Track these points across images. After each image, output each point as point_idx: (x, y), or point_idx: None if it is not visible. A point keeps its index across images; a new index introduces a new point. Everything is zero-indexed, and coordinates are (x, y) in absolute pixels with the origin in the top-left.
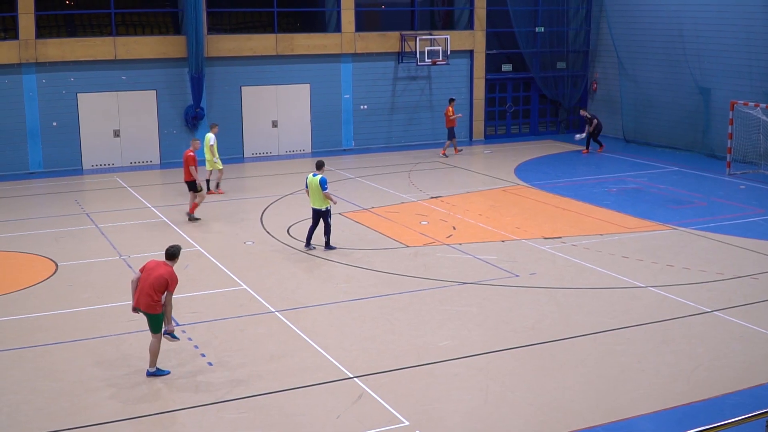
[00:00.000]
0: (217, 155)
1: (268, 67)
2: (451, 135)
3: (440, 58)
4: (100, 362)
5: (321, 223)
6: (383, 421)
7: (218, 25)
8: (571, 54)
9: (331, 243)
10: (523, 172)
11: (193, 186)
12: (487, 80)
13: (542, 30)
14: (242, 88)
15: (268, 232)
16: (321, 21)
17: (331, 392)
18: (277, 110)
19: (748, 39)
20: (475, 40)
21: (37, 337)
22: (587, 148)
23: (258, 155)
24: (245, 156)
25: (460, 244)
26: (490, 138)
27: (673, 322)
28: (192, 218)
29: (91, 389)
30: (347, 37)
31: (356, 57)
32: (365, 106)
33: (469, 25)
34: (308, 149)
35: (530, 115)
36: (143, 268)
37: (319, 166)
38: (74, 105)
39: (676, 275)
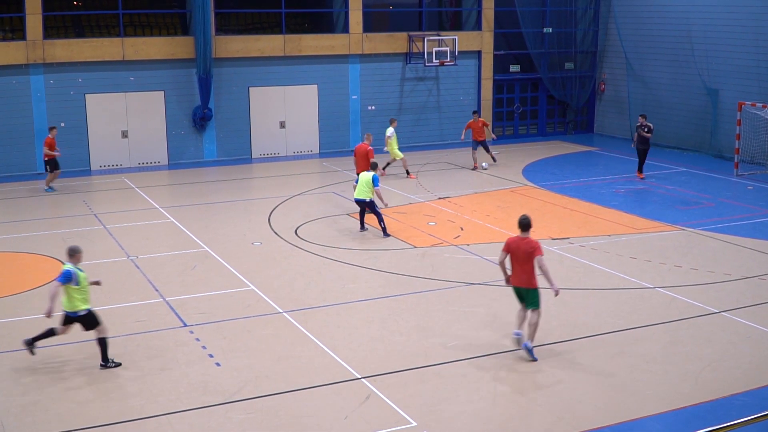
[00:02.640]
0: (395, 146)
1: (276, 67)
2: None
3: (448, 59)
4: None
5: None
6: (391, 422)
7: (226, 26)
8: (579, 54)
9: (387, 231)
10: (531, 172)
11: None
12: (495, 81)
13: (550, 31)
14: (250, 88)
15: (275, 233)
16: (329, 22)
17: (338, 393)
18: (285, 111)
19: (756, 40)
20: (483, 40)
21: None
22: (641, 171)
23: (265, 156)
24: (253, 157)
25: (468, 244)
26: (498, 139)
27: (681, 322)
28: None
29: (99, 390)
30: (355, 38)
31: (364, 58)
32: (373, 107)
33: (477, 26)
34: (316, 150)
35: (538, 115)
36: (506, 248)
37: (374, 167)
38: (82, 106)
39: (684, 276)
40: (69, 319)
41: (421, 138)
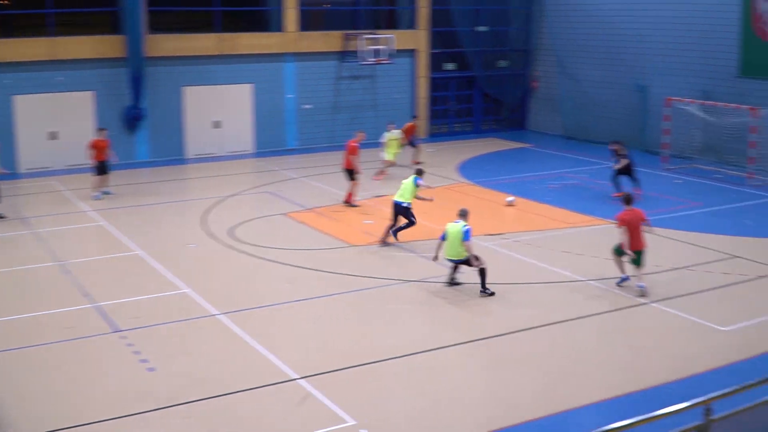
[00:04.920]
0: (392, 149)
1: (211, 66)
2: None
3: (384, 57)
4: (33, 373)
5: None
6: (330, 421)
7: (159, 25)
8: (512, 53)
9: (397, 236)
10: (467, 169)
11: (352, 174)
12: (430, 79)
13: (484, 29)
14: (184, 88)
15: (211, 235)
16: (264, 20)
17: (276, 394)
18: (220, 110)
19: (684, 37)
20: (418, 39)
21: None
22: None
23: (200, 156)
24: (187, 157)
25: (405, 242)
26: (434, 136)
27: (613, 314)
28: (351, 205)
29: (29, 398)
30: (290, 37)
31: (300, 56)
32: (309, 106)
33: (413, 25)
34: (251, 149)
35: (473, 113)
36: (622, 222)
37: (419, 173)
38: (9, 107)
39: (616, 268)
40: (455, 263)
41: None
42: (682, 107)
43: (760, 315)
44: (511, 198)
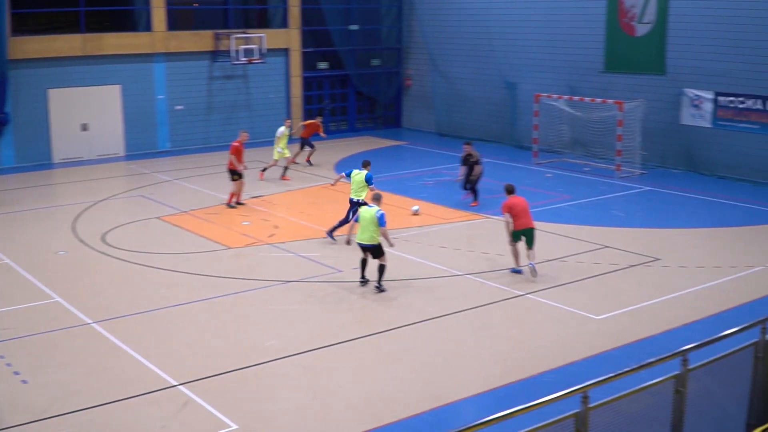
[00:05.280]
0: (280, 146)
1: (77, 68)
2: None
3: (256, 57)
4: None
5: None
6: (211, 427)
7: (23, 27)
8: (384, 51)
9: (333, 234)
10: (343, 168)
11: (234, 174)
12: (304, 78)
13: (356, 28)
14: (49, 90)
15: (81, 241)
16: (131, 20)
17: (154, 402)
18: (88, 113)
19: (551, 35)
20: (290, 38)
21: None
22: (475, 199)
23: (68, 160)
24: (54, 161)
25: (283, 242)
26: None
27: (490, 306)
28: (231, 206)
29: None
30: (159, 36)
31: (169, 56)
32: (181, 107)
33: (284, 24)
34: (122, 152)
35: (347, 111)
36: (509, 209)
37: (365, 164)
38: None
39: (491, 262)
40: (365, 248)
41: (231, 137)
42: (551, 103)
43: (631, 303)
44: (416, 207)
